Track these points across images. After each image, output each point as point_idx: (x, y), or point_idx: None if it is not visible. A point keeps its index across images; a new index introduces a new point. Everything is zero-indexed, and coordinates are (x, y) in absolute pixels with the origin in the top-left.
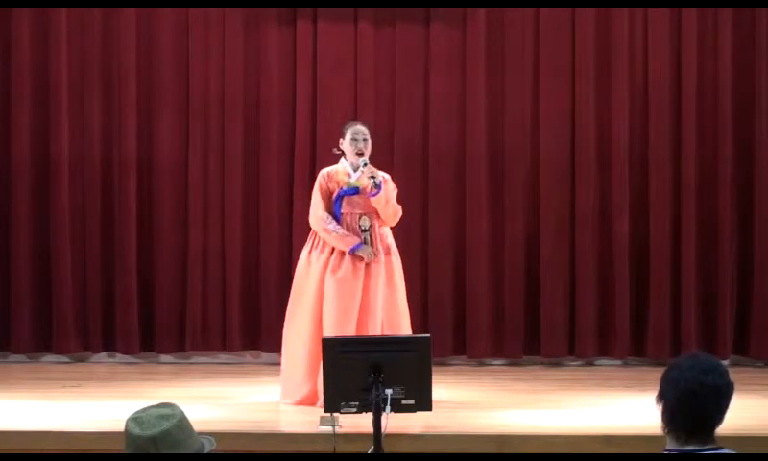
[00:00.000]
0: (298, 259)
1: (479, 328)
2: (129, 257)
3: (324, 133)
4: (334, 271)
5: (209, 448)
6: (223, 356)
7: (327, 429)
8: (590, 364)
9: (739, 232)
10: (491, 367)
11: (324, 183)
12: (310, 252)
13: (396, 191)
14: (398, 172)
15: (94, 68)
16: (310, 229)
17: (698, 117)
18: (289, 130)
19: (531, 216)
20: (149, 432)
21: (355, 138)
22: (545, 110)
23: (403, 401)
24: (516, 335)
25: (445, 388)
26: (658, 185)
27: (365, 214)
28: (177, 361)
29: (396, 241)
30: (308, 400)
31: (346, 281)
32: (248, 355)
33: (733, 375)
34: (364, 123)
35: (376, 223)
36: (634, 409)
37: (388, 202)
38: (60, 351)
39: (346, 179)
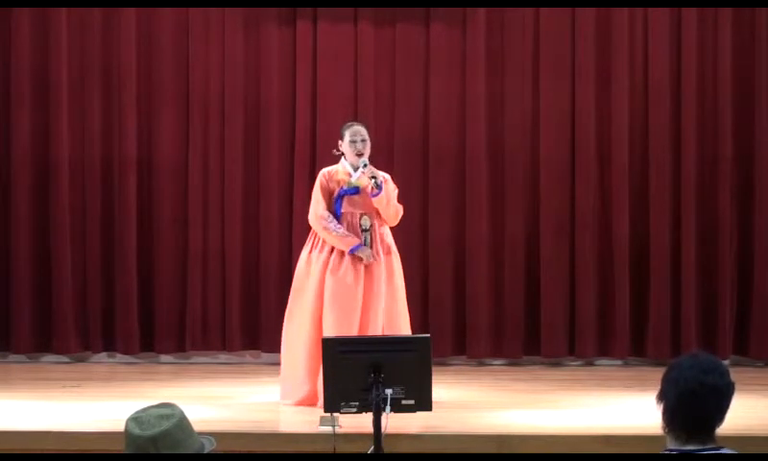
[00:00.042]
0: (298, 259)
1: (479, 328)
2: (129, 257)
3: (324, 133)
4: (334, 271)
5: (209, 448)
6: (223, 356)
7: (327, 429)
8: (590, 364)
9: (739, 232)
10: (491, 367)
11: (324, 182)
12: (310, 252)
13: (396, 191)
14: (398, 172)
15: (94, 68)
16: (310, 228)
17: (698, 117)
18: (289, 129)
19: (531, 216)
20: (149, 432)
21: (354, 140)
22: (545, 110)
23: (403, 401)
24: (515, 335)
25: (445, 388)
26: (658, 186)
27: (365, 214)
28: (177, 361)
29: (396, 241)
30: (308, 401)
31: (345, 282)
32: (248, 355)
33: (733, 375)
34: (362, 123)
35: (376, 222)
36: (634, 409)
37: (389, 202)
38: (59, 352)
39: (346, 178)
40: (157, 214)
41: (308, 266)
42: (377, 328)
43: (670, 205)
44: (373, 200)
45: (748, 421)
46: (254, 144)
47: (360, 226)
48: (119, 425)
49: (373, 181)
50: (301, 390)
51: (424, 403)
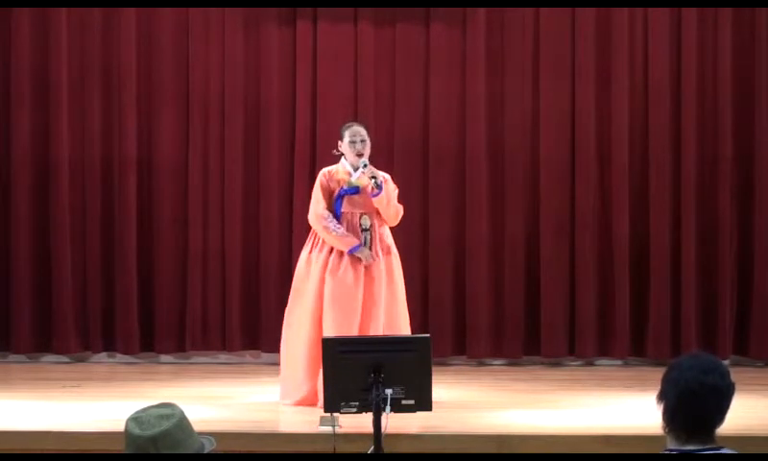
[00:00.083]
0: (297, 259)
1: (479, 328)
2: (129, 257)
3: (324, 133)
4: (333, 272)
5: (209, 448)
6: (223, 356)
7: (327, 429)
8: (590, 364)
9: (739, 232)
10: (490, 367)
11: (324, 182)
12: (310, 251)
13: (396, 191)
14: (398, 172)
15: (94, 68)
16: (310, 228)
17: (698, 117)
18: (289, 129)
19: (531, 216)
20: (149, 432)
21: (353, 140)
22: (545, 110)
23: (403, 401)
24: (515, 335)
25: (445, 388)
26: (658, 186)
27: (365, 213)
28: (177, 361)
29: (395, 241)
30: (308, 401)
31: (345, 283)
32: (248, 355)
33: (733, 375)
34: (361, 123)
35: (376, 222)
36: (634, 409)
37: (389, 202)
38: (59, 352)
39: (346, 178)
40: (157, 214)
41: (308, 266)
42: (377, 329)
43: (670, 205)
44: (374, 200)
45: (748, 421)
46: (254, 144)
47: (360, 225)
48: (119, 425)
49: (373, 181)
50: (301, 390)
51: (424, 403)
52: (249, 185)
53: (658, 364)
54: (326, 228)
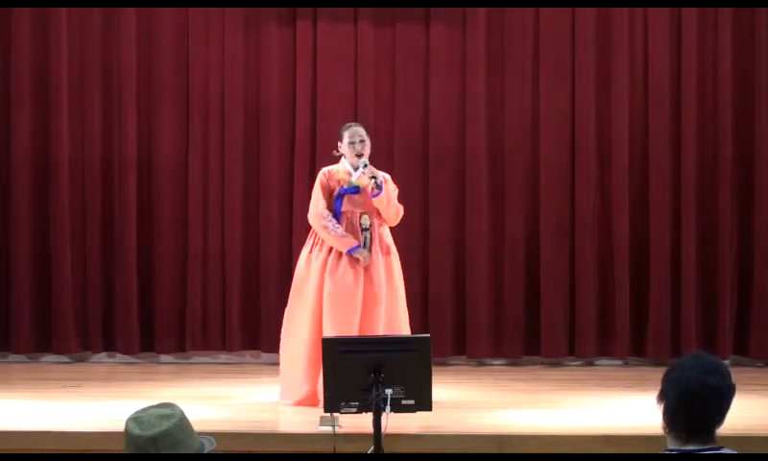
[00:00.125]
0: (297, 259)
1: (479, 328)
2: (129, 257)
3: (324, 133)
4: (332, 272)
5: (209, 448)
6: (223, 356)
7: (327, 429)
8: (590, 364)
9: (739, 232)
10: (490, 367)
11: (324, 181)
12: (310, 251)
13: (396, 191)
14: (398, 172)
15: (94, 68)
16: (310, 228)
17: (698, 117)
18: (289, 129)
19: (531, 216)
20: (149, 432)
21: (352, 141)
22: (545, 110)
23: (403, 401)
24: (515, 335)
25: (445, 388)
26: (658, 186)
27: (365, 213)
28: (177, 361)
29: (395, 241)
30: (308, 401)
31: (345, 283)
32: (248, 355)
33: (733, 375)
34: (361, 124)
35: (376, 222)
36: (634, 409)
37: (389, 202)
38: (59, 352)
39: (347, 177)
40: (157, 214)
41: (308, 266)
42: (378, 329)
43: (670, 205)
44: (374, 200)
45: (748, 421)
46: (254, 144)
47: (360, 224)
48: (119, 425)
49: (373, 181)
50: (301, 390)
51: (424, 403)
52: (249, 185)
53: (658, 364)
54: (326, 227)
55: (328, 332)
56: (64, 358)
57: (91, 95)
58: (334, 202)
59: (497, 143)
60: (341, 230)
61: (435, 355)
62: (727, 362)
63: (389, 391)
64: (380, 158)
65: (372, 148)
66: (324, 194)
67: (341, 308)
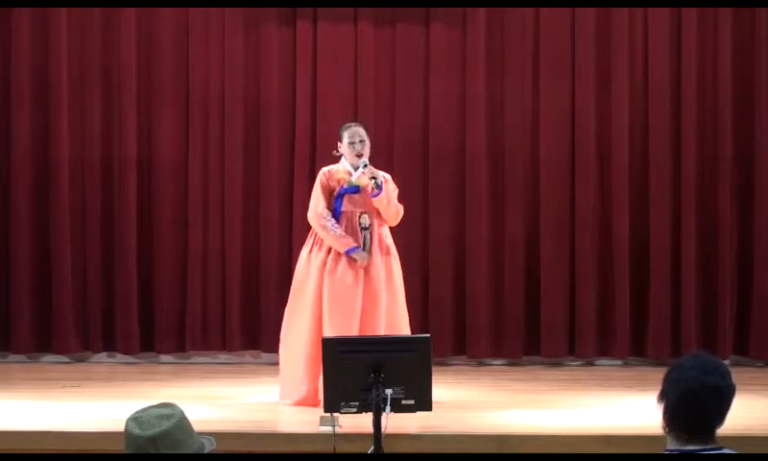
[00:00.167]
0: (297, 259)
1: (479, 328)
2: (129, 257)
3: (324, 133)
4: (331, 272)
5: (209, 448)
6: (223, 356)
7: (327, 429)
8: (590, 364)
9: (739, 232)
10: (491, 367)
11: (324, 180)
12: (310, 251)
13: (396, 191)
14: (398, 172)
15: (94, 68)
16: (310, 228)
17: (698, 117)
18: (289, 129)
19: (531, 216)
20: (149, 432)
21: (352, 141)
22: (545, 110)
23: (403, 401)
24: (515, 335)
25: (445, 388)
26: (658, 186)
27: (365, 212)
28: (177, 361)
29: (395, 241)
30: (308, 401)
31: (345, 283)
32: (248, 355)
33: (733, 375)
34: (360, 124)
35: (376, 222)
36: (634, 409)
37: (389, 202)
38: (59, 352)
39: (347, 177)
40: (157, 214)
41: (308, 265)
42: (378, 329)
43: (670, 205)
44: (374, 200)
45: (748, 421)
46: (254, 144)
47: (359, 224)
48: (119, 425)
49: (373, 181)
50: (300, 390)
51: (424, 403)
52: (249, 185)
53: (658, 364)
54: (324, 227)
55: (328, 332)
56: (64, 358)
57: (91, 95)
58: (334, 201)
59: (497, 143)
60: (340, 230)
61: (435, 355)
62: (727, 362)
63: (389, 391)
64: (380, 158)
65: (372, 148)
66: (323, 194)
67: (340, 309)
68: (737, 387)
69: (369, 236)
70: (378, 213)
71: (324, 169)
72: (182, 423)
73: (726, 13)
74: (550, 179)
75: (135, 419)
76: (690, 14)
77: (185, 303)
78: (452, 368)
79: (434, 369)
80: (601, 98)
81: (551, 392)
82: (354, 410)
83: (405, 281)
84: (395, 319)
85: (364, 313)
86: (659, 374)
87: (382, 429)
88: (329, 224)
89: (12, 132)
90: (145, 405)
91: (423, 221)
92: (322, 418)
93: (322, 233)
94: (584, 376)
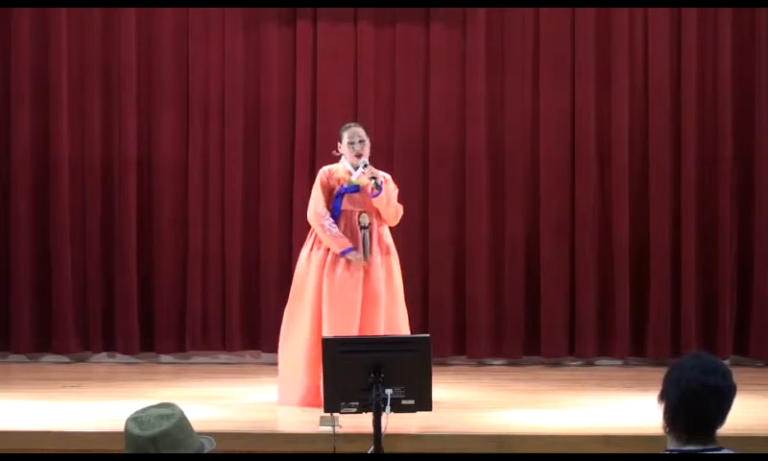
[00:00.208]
0: (297, 259)
1: (479, 328)
2: (129, 257)
3: (324, 133)
4: (330, 272)
5: (209, 448)
6: (223, 356)
7: (327, 429)
8: (590, 364)
9: (739, 232)
10: (490, 367)
11: (324, 180)
12: (310, 250)
13: (396, 191)
14: (398, 172)
15: (94, 68)
16: (310, 227)
17: (698, 117)
18: (289, 129)
19: (531, 216)
20: (149, 432)
21: (352, 141)
22: (545, 110)
23: (403, 401)
24: (515, 335)
25: (445, 388)
26: (658, 186)
27: (365, 212)
28: (177, 361)
29: (395, 241)
30: (307, 401)
31: (343, 283)
32: (248, 355)
33: (733, 375)
34: (360, 124)
35: (375, 221)
36: (634, 409)
37: (389, 202)
38: (59, 352)
39: (347, 177)
40: (157, 214)
41: (308, 265)
42: (378, 329)
43: (670, 205)
44: (373, 200)
45: (748, 421)
46: (254, 144)
47: (359, 223)
48: (119, 425)
49: (373, 181)
50: (300, 390)
51: (424, 403)
52: (249, 185)
53: (658, 364)
54: (322, 226)
55: (328, 332)
56: (64, 358)
57: (91, 95)
58: (334, 200)
59: (497, 143)
60: (336, 230)
61: (435, 355)
62: (727, 362)
63: (389, 391)
64: (380, 158)
65: (372, 148)
66: (323, 193)
67: (340, 308)
68: (737, 387)
69: (368, 235)
70: (378, 213)
71: (325, 168)
72: (182, 423)
73: (726, 13)
74: (550, 179)
75: (135, 419)
76: (690, 14)
77: (185, 303)
78: (452, 368)
79: (434, 369)
80: (601, 98)
81: (551, 392)
82: (354, 410)
83: (405, 281)
84: (394, 319)
85: (364, 313)
86: (659, 374)
87: (382, 429)
88: (327, 223)
89: (12, 132)
90: (145, 405)
91: (423, 221)
92: (322, 418)
93: (319, 232)
94: (584, 376)
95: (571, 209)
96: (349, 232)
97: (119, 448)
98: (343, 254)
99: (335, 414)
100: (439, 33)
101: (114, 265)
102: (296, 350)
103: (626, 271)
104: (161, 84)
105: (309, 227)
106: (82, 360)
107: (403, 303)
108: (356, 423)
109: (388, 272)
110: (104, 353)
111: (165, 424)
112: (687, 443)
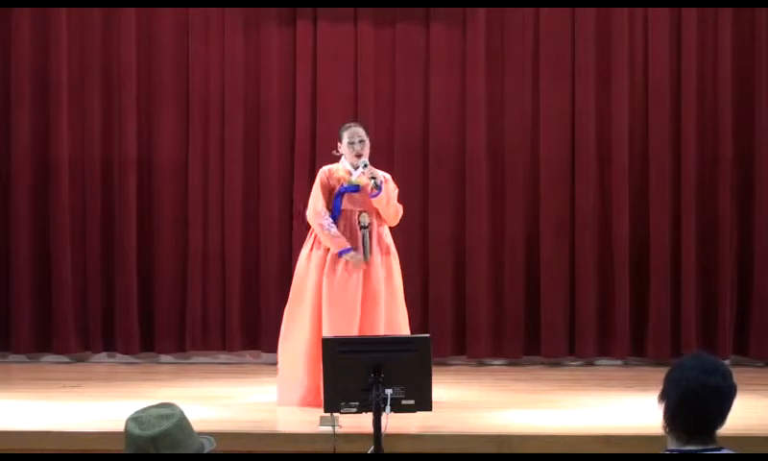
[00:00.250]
0: (297, 259)
1: (479, 328)
2: (129, 257)
3: (324, 133)
4: (330, 272)
5: (209, 448)
6: (223, 356)
7: (327, 429)
8: (590, 364)
9: (739, 232)
10: (490, 367)
11: (324, 179)
12: (310, 250)
13: (396, 191)
14: (398, 172)
15: (94, 68)
16: (310, 227)
17: (698, 117)
18: (289, 129)
19: (531, 216)
20: (149, 432)
21: (352, 141)
22: (545, 110)
23: (403, 401)
24: (515, 335)
25: (445, 388)
26: (658, 186)
27: (364, 211)
28: (177, 361)
29: (395, 241)
30: (306, 401)
31: (343, 283)
32: (248, 355)
33: (733, 375)
34: (360, 124)
35: (375, 221)
36: (634, 409)
37: (389, 202)
38: (59, 352)
39: (347, 176)
40: (157, 214)
41: (308, 265)
42: (378, 329)
43: (670, 205)
44: (373, 200)
45: (748, 421)
46: (254, 144)
47: (359, 222)
48: (119, 425)
49: (373, 181)
50: (300, 390)
51: (424, 403)
52: (249, 185)
53: (658, 364)
54: (321, 225)
55: (328, 332)
56: (64, 358)
57: (91, 95)
58: (334, 200)
59: (497, 143)
60: (335, 230)
61: (435, 355)
62: (727, 362)
63: (389, 391)
64: (380, 158)
65: (372, 148)
66: (323, 192)
67: (340, 308)
68: (737, 387)
69: (368, 235)
70: (378, 213)
71: (325, 168)
72: (182, 423)
73: (726, 13)
74: (550, 179)
75: (135, 419)
76: (690, 14)
77: (185, 303)
78: (452, 368)
79: (434, 369)
80: (601, 98)
81: (551, 392)
82: (354, 410)
83: (405, 281)
84: (394, 319)
85: (364, 313)
86: (659, 374)
87: (382, 429)
88: (325, 223)
89: (12, 132)
90: (145, 405)
91: (423, 221)
92: (322, 418)
93: (317, 230)
94: (584, 376)
95: (571, 209)
96: (349, 232)
97: (119, 448)
98: (341, 254)
99: (335, 414)
100: (439, 33)
101: (114, 265)
102: (296, 349)
103: (626, 271)
104: (161, 84)
105: (309, 226)
106: (82, 360)
107: (403, 303)
108: (356, 423)
109: (388, 272)
110: (104, 353)
111: (165, 424)
112: (687, 443)
